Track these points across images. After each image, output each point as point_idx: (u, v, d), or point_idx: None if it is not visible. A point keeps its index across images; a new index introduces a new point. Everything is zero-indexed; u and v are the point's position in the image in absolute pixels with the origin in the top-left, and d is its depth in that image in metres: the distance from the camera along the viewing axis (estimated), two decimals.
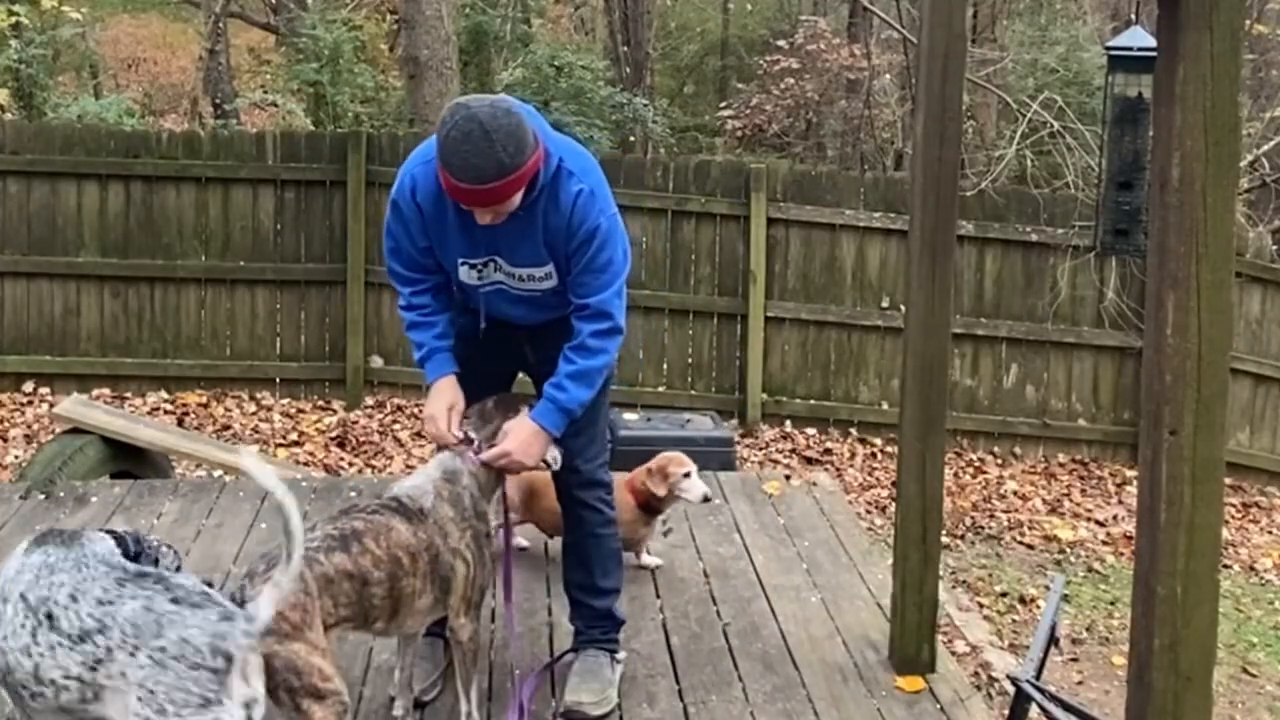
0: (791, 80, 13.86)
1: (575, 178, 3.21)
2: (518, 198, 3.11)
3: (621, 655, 3.75)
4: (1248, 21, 9.58)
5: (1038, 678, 3.52)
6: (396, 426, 8.39)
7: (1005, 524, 7.76)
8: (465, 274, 3.35)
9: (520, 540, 4.52)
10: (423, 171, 3.23)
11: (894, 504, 4.08)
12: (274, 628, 2.74)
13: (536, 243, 3.24)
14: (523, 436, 3.30)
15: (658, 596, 4.30)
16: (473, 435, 3.34)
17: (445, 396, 3.38)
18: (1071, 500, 8.31)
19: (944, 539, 6.26)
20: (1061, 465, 8.87)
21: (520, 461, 3.31)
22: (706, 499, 4.33)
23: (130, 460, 5.85)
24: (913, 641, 3.78)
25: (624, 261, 3.32)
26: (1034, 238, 8.82)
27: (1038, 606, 6.38)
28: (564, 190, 3.19)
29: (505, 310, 3.42)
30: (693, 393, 8.80)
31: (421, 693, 3.55)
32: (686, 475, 4.27)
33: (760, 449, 8.51)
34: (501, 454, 3.29)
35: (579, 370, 3.29)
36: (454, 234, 3.27)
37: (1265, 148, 10.76)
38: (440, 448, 3.40)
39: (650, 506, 4.31)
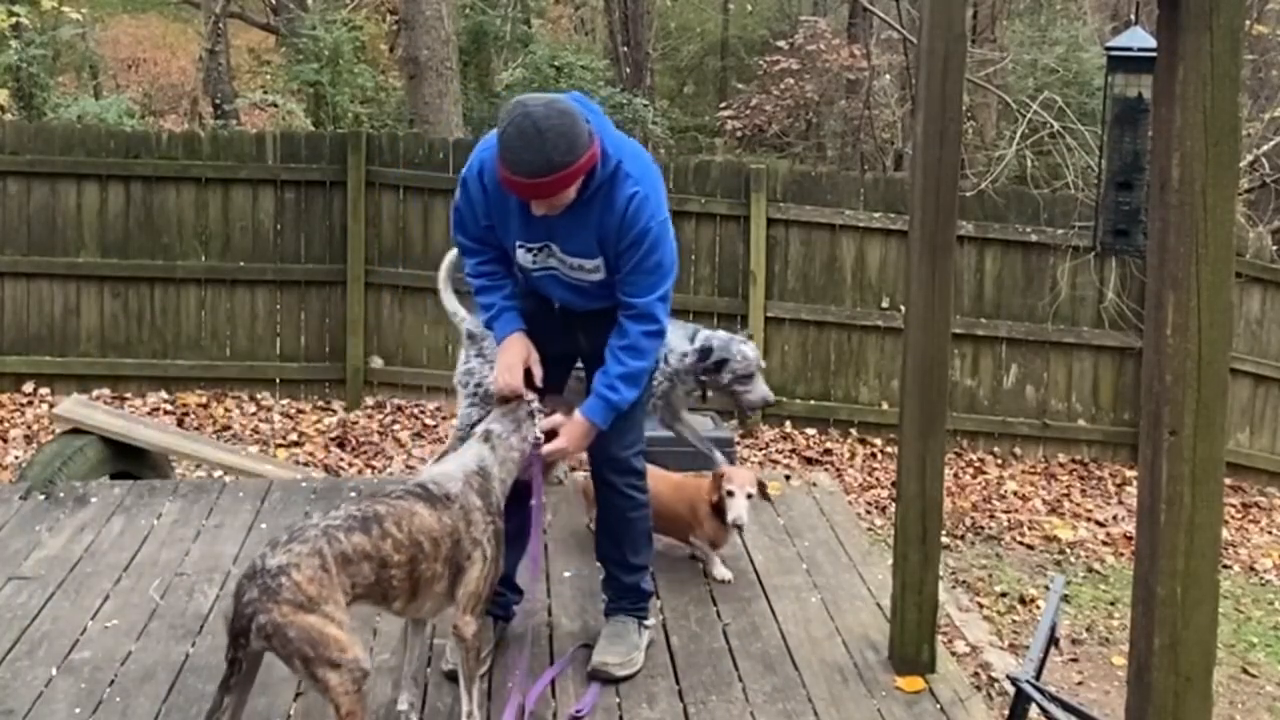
0: (791, 80, 13.86)
1: (632, 180, 3.37)
2: (570, 192, 3.29)
3: (650, 622, 3.90)
4: (1248, 22, 9.57)
5: (1038, 678, 3.52)
6: (396, 427, 8.39)
7: (1005, 524, 7.76)
8: (522, 256, 3.54)
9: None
10: (491, 156, 3.40)
11: (894, 504, 4.08)
12: (291, 599, 2.84)
13: (589, 236, 3.42)
14: (577, 434, 3.53)
15: (658, 597, 4.29)
16: (537, 406, 3.50)
17: (518, 349, 3.58)
18: (1071, 500, 8.31)
19: (944, 539, 6.26)
20: (1061, 465, 8.87)
21: (571, 453, 3.64)
22: (737, 525, 4.31)
23: (130, 461, 5.85)
24: (913, 641, 3.78)
25: (672, 266, 3.51)
26: (1034, 238, 8.82)
27: (1038, 606, 6.38)
28: (620, 191, 3.36)
29: (559, 295, 3.61)
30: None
31: (445, 660, 3.63)
32: (730, 494, 4.26)
33: (760, 449, 8.50)
34: (558, 450, 3.52)
35: (629, 372, 3.50)
36: (514, 218, 3.46)
37: (1265, 148, 10.76)
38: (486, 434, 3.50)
39: (720, 510, 4.34)
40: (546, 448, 3.48)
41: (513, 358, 3.55)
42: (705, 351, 4.90)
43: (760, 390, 4.99)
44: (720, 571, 4.44)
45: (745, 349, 4.93)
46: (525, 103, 3.21)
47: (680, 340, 4.91)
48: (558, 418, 3.52)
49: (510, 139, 3.18)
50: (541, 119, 3.15)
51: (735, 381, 4.93)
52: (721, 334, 5.00)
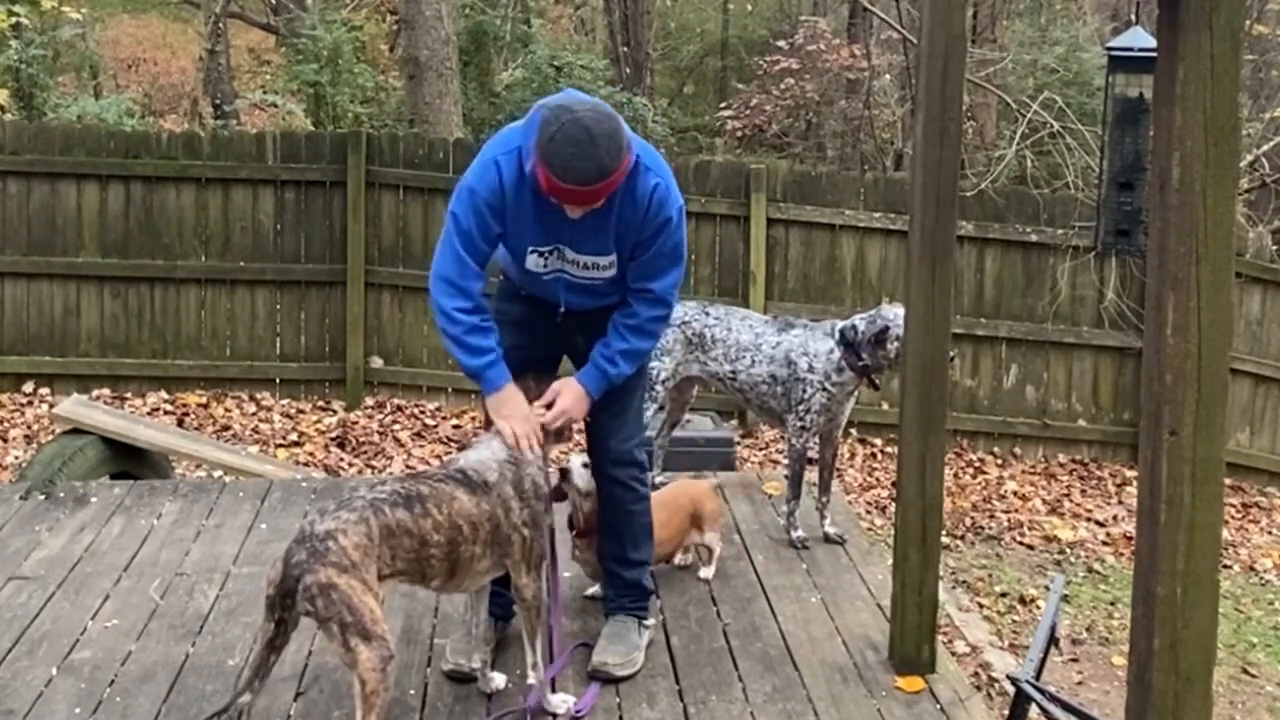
0: (791, 80, 13.86)
1: (651, 172, 3.38)
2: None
3: (650, 622, 3.90)
4: (1248, 22, 9.57)
5: (1038, 678, 3.52)
6: (396, 427, 8.39)
7: (1005, 524, 7.76)
8: (533, 262, 3.48)
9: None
10: (506, 162, 3.35)
11: (894, 504, 4.08)
12: (337, 562, 2.92)
13: (607, 234, 3.40)
14: (576, 395, 3.53)
15: (658, 597, 4.29)
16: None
17: (522, 403, 3.48)
18: (1071, 500, 8.31)
19: (944, 539, 6.26)
20: (1061, 465, 8.87)
21: (574, 417, 3.54)
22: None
23: (130, 461, 5.85)
24: (913, 641, 3.78)
25: (685, 251, 3.56)
26: (1034, 238, 8.82)
27: (1038, 606, 6.38)
28: (640, 184, 3.35)
29: (565, 297, 3.56)
30: (693, 393, 8.78)
31: (462, 664, 3.65)
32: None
33: (760, 449, 8.50)
34: (561, 413, 3.50)
35: (632, 350, 3.53)
36: (529, 222, 3.41)
37: (1265, 148, 10.76)
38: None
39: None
40: (550, 414, 3.48)
41: (521, 415, 3.44)
42: (848, 332, 4.54)
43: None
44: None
45: (899, 310, 4.32)
46: (571, 108, 3.17)
47: (821, 343, 4.61)
48: (555, 386, 3.54)
49: (561, 146, 3.13)
50: (593, 125, 3.13)
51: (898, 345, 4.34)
52: (861, 314, 4.65)
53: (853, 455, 8.58)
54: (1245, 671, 6.13)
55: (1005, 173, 9.83)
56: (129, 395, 8.50)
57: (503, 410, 3.47)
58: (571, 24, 19.12)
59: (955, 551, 7.20)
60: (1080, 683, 5.77)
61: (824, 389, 4.61)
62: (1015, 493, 8.32)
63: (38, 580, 4.31)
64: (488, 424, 3.63)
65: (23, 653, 3.81)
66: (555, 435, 3.57)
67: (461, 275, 3.41)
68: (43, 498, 5.08)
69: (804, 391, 4.63)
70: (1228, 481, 7.78)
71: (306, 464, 7.61)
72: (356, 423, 8.37)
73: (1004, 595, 6.63)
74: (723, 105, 15.50)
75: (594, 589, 4.18)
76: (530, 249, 3.46)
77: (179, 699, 3.55)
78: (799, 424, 4.67)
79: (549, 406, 3.52)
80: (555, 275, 3.51)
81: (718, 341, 4.81)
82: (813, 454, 4.87)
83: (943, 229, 3.58)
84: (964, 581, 6.78)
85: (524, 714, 3.43)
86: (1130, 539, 7.26)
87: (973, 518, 7.80)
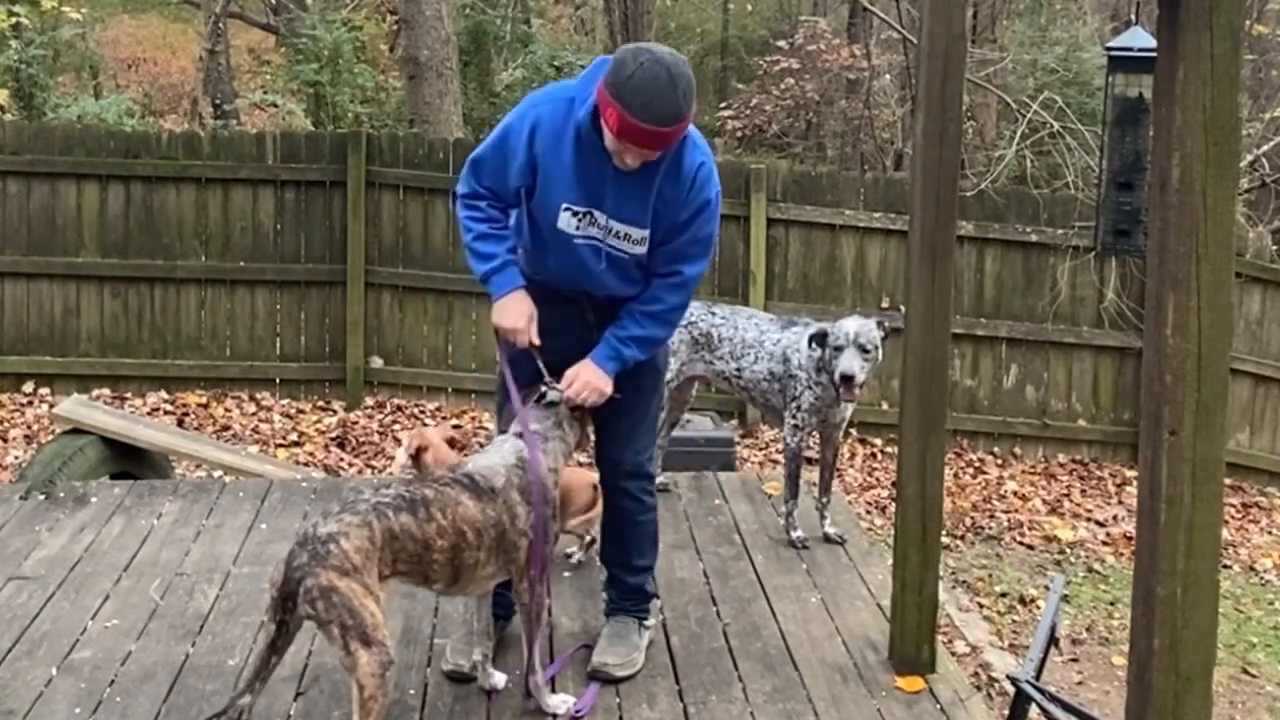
0: (791, 80, 13.85)
1: (698, 149, 3.32)
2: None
3: (650, 622, 3.89)
4: (1248, 22, 9.57)
5: (1038, 678, 3.52)
6: (396, 427, 8.39)
7: (1005, 524, 7.76)
8: (565, 220, 3.37)
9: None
10: (549, 112, 3.29)
11: (894, 504, 4.08)
12: (338, 565, 2.92)
13: (646, 204, 3.32)
14: (594, 371, 3.45)
15: (658, 598, 4.29)
16: (550, 383, 3.48)
17: (524, 306, 3.45)
18: (1071, 500, 8.31)
19: (944, 539, 6.26)
20: (1061, 465, 8.87)
21: (600, 389, 3.45)
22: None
23: (130, 461, 5.85)
24: (913, 641, 3.78)
25: (715, 245, 3.54)
26: (1034, 238, 8.81)
27: (1038, 606, 6.38)
28: (687, 158, 3.29)
29: (594, 267, 3.43)
30: (693, 393, 8.78)
31: (462, 664, 3.65)
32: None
33: (760, 449, 8.50)
34: (585, 384, 3.43)
35: (649, 336, 3.50)
36: (566, 178, 3.32)
37: (1265, 148, 10.76)
38: (517, 433, 3.45)
39: None
40: (575, 387, 3.44)
41: (527, 307, 3.45)
42: (817, 337, 4.56)
43: (842, 364, 4.44)
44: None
45: (846, 322, 4.52)
46: (651, 50, 3.13)
47: (805, 340, 4.63)
48: (569, 372, 3.49)
49: (642, 86, 3.06)
50: (673, 66, 3.09)
51: (833, 357, 4.48)
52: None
53: (853, 455, 8.58)
54: (1245, 671, 6.13)
55: (1005, 173, 9.83)
56: (129, 395, 8.51)
57: (503, 318, 3.44)
58: (571, 24, 19.13)
59: (955, 551, 7.20)
60: (1080, 683, 5.77)
61: (810, 387, 4.64)
62: (1015, 493, 8.32)
63: (38, 580, 4.31)
64: (501, 428, 3.62)
65: (23, 653, 3.81)
66: (580, 422, 3.54)
67: (470, 195, 3.44)
68: (43, 498, 5.08)
69: (795, 389, 4.67)
70: (1228, 481, 7.78)
71: (306, 464, 7.61)
72: (356, 423, 8.37)
73: (1004, 595, 6.63)
74: (723, 105, 15.48)
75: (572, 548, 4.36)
76: (564, 205, 3.34)
77: (179, 699, 3.55)
78: (792, 421, 4.70)
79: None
80: (587, 241, 3.39)
81: (724, 340, 4.84)
82: (813, 454, 4.88)
83: (943, 229, 3.58)
84: (964, 581, 6.78)
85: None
86: (1130, 539, 7.26)
87: (973, 518, 7.80)
